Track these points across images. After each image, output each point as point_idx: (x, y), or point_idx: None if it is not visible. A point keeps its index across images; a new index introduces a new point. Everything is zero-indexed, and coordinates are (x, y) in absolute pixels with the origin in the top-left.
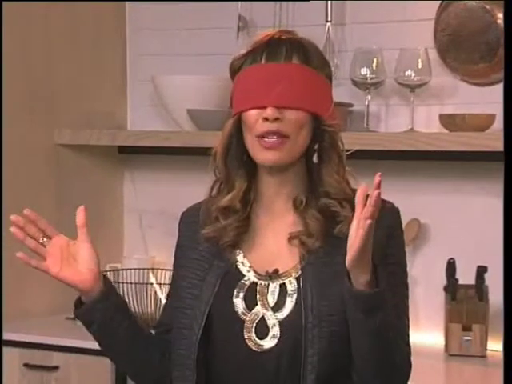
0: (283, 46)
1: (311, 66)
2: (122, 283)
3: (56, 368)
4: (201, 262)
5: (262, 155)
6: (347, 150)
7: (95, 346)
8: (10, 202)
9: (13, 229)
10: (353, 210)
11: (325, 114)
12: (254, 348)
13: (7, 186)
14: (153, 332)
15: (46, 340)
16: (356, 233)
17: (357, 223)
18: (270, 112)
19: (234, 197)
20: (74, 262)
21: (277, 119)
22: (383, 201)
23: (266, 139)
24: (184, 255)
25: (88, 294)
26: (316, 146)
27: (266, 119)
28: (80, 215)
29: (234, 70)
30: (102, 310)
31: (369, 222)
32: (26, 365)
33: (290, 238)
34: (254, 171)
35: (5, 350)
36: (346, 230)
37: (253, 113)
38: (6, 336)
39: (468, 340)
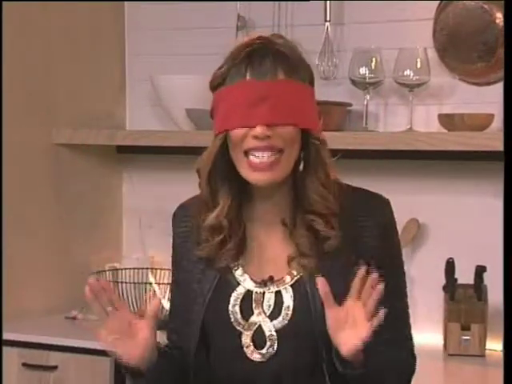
0: (267, 60)
1: (297, 79)
2: (121, 283)
3: (54, 368)
4: (197, 265)
5: (253, 176)
6: (338, 152)
7: (94, 345)
8: (9, 202)
9: (87, 291)
10: (338, 224)
11: (315, 127)
12: (251, 357)
13: (6, 185)
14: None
15: (44, 340)
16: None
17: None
18: (260, 130)
19: (217, 214)
20: (131, 336)
21: (267, 137)
22: (372, 196)
23: (256, 158)
24: (182, 256)
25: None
26: (302, 156)
27: (255, 137)
28: (154, 304)
29: (217, 84)
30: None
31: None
32: (24, 364)
33: (289, 261)
34: (241, 187)
35: (4, 349)
36: (333, 245)
37: (240, 131)
38: (5, 335)
39: (467, 339)
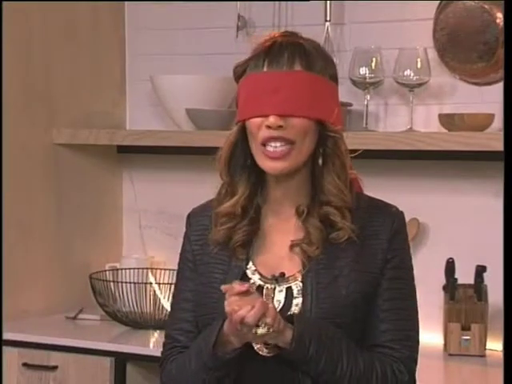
0: (285, 52)
1: (314, 71)
2: (121, 283)
3: (55, 368)
4: (218, 265)
5: (268, 164)
6: (352, 152)
7: (94, 345)
8: (9, 202)
9: None
10: (352, 218)
11: (329, 119)
12: (261, 352)
13: (6, 185)
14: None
15: (44, 340)
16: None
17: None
18: (272, 120)
19: (234, 203)
20: None
21: (280, 127)
22: (387, 204)
23: (270, 147)
24: (198, 262)
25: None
26: (321, 150)
27: (268, 127)
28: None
29: (238, 75)
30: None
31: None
32: (24, 364)
33: (292, 246)
34: (259, 175)
35: (4, 349)
36: (342, 236)
37: (256, 120)
38: (5, 336)
39: (467, 339)
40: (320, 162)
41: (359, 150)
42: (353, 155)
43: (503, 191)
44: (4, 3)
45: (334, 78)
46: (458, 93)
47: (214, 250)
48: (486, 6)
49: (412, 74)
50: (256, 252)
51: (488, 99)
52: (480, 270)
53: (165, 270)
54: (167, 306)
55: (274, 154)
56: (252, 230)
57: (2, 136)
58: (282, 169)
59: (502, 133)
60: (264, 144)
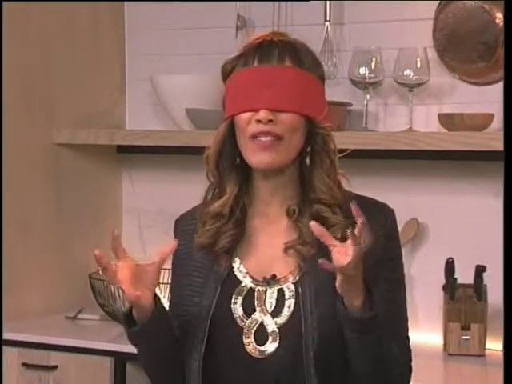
0: (275, 48)
1: (304, 68)
2: None
3: (55, 367)
4: (199, 269)
5: (256, 157)
6: (341, 151)
7: (94, 345)
8: (9, 202)
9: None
10: (343, 214)
11: (318, 116)
12: (253, 354)
13: (6, 185)
14: None
15: (44, 339)
16: (343, 259)
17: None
18: (263, 114)
19: (224, 203)
20: (138, 280)
21: (270, 121)
22: (377, 202)
23: (260, 140)
24: (182, 265)
25: (143, 313)
26: (309, 149)
27: (259, 121)
28: (169, 248)
29: (226, 73)
30: (154, 331)
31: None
32: (24, 364)
33: (286, 248)
34: (247, 175)
35: (4, 349)
36: (337, 234)
37: (245, 115)
38: (5, 335)
39: (467, 339)
40: (308, 160)
41: (348, 149)
42: (341, 155)
43: (503, 191)
44: (4, 3)
45: (322, 79)
46: (457, 93)
47: (199, 254)
48: (485, 6)
49: (412, 74)
50: (246, 254)
51: (488, 99)
52: (480, 270)
53: (164, 269)
54: (166, 305)
55: (263, 143)
56: (237, 234)
57: (2, 136)
58: (269, 162)
59: (501, 133)
60: (251, 139)
